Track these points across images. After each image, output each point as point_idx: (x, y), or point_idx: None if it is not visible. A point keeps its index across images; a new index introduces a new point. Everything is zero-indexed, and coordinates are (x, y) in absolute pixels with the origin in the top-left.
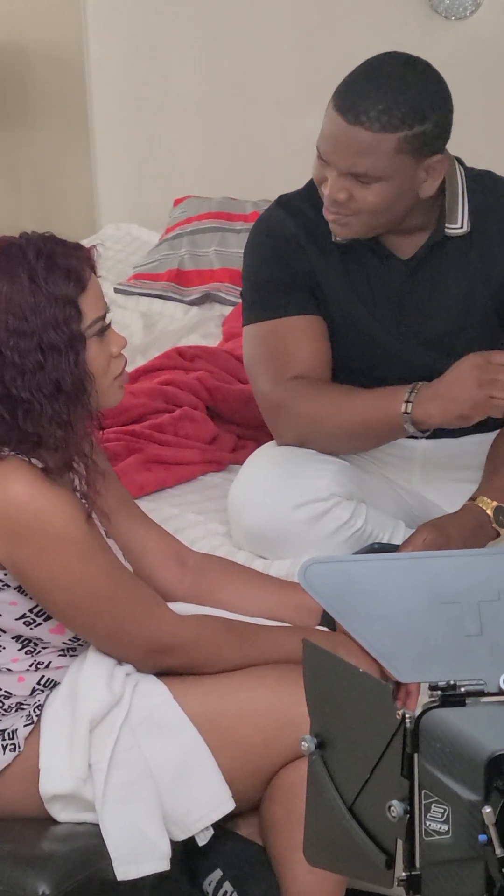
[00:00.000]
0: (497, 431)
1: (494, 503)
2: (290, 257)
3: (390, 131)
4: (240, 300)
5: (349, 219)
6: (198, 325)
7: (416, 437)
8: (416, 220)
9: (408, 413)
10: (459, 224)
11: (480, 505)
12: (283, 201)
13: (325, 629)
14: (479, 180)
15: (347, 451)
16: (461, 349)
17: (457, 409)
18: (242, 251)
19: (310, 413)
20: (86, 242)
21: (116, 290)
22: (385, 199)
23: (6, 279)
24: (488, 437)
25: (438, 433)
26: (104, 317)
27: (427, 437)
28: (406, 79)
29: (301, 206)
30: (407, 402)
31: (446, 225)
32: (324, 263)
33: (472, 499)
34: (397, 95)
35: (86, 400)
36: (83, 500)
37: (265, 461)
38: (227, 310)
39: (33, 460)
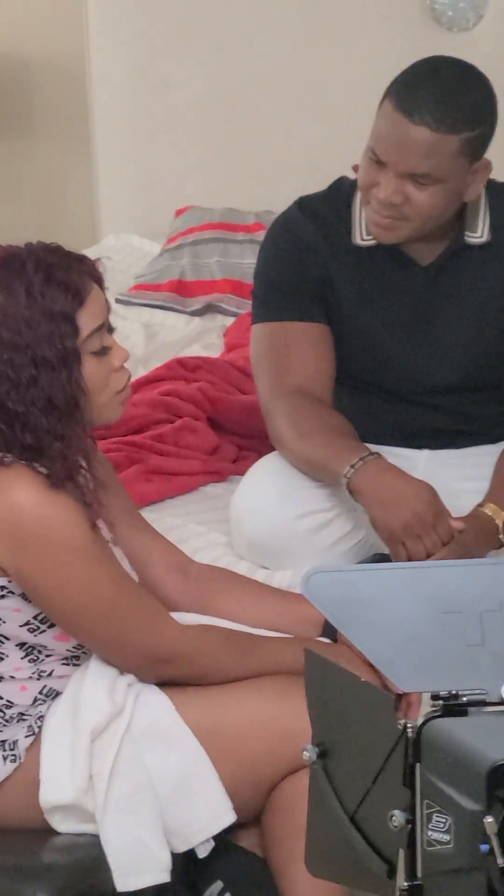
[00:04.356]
0: (502, 442)
1: None
2: (305, 260)
3: (454, 132)
4: (241, 311)
5: (399, 223)
6: (199, 336)
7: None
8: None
9: (347, 477)
10: (480, 233)
11: (489, 512)
12: (303, 202)
13: (327, 640)
14: (501, 192)
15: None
16: (472, 364)
17: (380, 517)
18: (244, 262)
19: (281, 436)
20: (87, 253)
21: (118, 301)
22: (438, 201)
23: (3, 291)
24: (493, 448)
25: (439, 444)
26: (104, 332)
27: (428, 448)
28: (465, 81)
29: (320, 208)
30: (353, 466)
31: (466, 233)
32: (338, 268)
33: (480, 505)
34: (459, 97)
35: (79, 416)
36: (88, 508)
37: (267, 472)
38: (230, 321)
39: (38, 467)
